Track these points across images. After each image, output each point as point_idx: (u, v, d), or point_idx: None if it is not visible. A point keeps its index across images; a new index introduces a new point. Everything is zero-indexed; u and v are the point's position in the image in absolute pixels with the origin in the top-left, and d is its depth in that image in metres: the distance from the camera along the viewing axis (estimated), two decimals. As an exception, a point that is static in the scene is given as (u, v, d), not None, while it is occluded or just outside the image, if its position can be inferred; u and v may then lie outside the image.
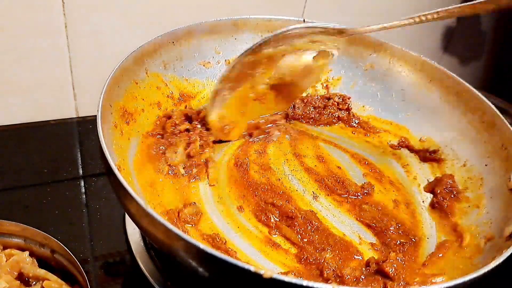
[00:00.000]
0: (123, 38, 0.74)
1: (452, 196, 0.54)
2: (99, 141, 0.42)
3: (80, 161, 0.69)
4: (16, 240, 0.49)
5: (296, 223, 0.50)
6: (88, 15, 0.70)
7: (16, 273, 0.47)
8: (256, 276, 0.32)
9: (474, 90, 0.58)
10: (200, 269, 0.37)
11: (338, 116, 0.67)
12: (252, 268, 0.32)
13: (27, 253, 0.48)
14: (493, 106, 0.56)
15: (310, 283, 0.32)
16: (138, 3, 0.72)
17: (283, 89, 0.62)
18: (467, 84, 0.59)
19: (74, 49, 0.72)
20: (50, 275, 0.47)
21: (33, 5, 0.65)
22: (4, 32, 0.66)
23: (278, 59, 0.57)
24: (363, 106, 0.68)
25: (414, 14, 0.49)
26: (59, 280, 0.47)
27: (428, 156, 0.61)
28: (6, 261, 0.47)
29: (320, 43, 0.57)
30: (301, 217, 0.51)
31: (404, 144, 0.63)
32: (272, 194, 0.54)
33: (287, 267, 0.46)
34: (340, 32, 0.55)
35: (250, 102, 0.61)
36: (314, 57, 0.59)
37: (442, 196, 0.54)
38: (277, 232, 0.50)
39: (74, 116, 0.79)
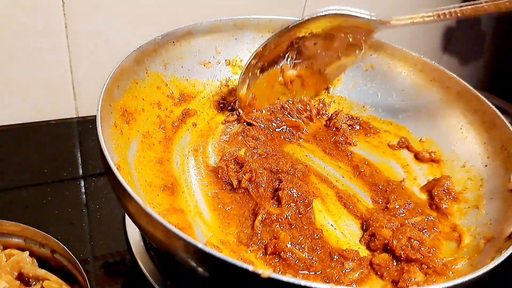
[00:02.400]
0: (123, 38, 0.74)
1: (450, 197, 0.54)
2: (98, 141, 0.42)
3: (80, 161, 0.69)
4: (16, 240, 0.49)
5: None
6: (88, 15, 0.70)
7: (16, 273, 0.47)
8: (254, 276, 0.32)
9: (475, 90, 0.58)
10: (199, 269, 0.37)
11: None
12: (250, 268, 0.32)
13: (27, 253, 0.48)
14: (493, 107, 0.56)
15: (308, 283, 0.32)
16: (138, 3, 0.72)
17: (310, 78, 0.65)
18: (468, 85, 0.59)
19: (74, 49, 0.72)
20: (50, 275, 0.47)
21: (33, 5, 0.65)
22: (4, 32, 0.66)
23: (308, 47, 0.62)
24: (363, 107, 0.68)
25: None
26: (59, 280, 0.47)
27: (428, 156, 0.61)
28: (6, 261, 0.47)
29: (350, 34, 0.61)
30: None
31: (404, 145, 0.63)
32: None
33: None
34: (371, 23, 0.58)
35: (278, 86, 0.64)
36: (343, 50, 0.63)
37: (439, 197, 0.54)
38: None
39: (74, 116, 0.79)
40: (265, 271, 0.32)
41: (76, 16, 0.69)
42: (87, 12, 0.69)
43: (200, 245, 0.34)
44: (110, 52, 0.74)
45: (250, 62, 0.59)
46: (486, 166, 0.55)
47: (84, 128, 0.77)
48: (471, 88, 0.59)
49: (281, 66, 0.63)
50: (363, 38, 0.61)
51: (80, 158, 0.70)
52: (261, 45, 0.58)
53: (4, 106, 0.73)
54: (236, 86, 0.62)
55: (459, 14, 0.52)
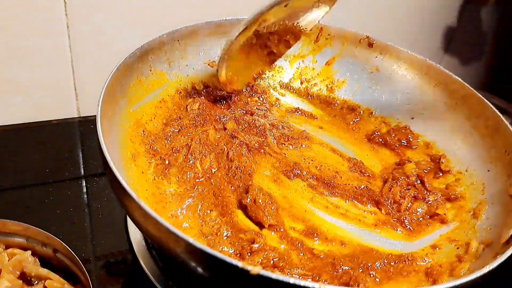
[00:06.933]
0: (125, 38, 0.74)
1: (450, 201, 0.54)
2: (97, 133, 0.42)
3: (81, 160, 0.69)
4: (18, 240, 0.49)
5: None
6: (90, 15, 0.70)
7: (18, 273, 0.47)
8: (243, 272, 0.32)
9: (479, 95, 0.58)
10: (191, 264, 0.37)
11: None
12: (240, 264, 0.32)
13: (29, 252, 0.48)
14: (497, 112, 0.55)
15: (297, 281, 0.32)
16: (140, 3, 0.72)
17: (285, 33, 0.63)
18: (472, 89, 0.59)
19: (76, 49, 0.72)
20: (52, 275, 0.47)
21: (35, 5, 0.65)
22: (6, 31, 0.66)
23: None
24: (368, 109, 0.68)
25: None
26: (61, 280, 0.47)
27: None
28: (8, 261, 0.47)
29: None
30: None
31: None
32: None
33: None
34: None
35: (254, 50, 0.63)
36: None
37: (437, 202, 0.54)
38: None
39: (76, 116, 0.79)
40: (255, 268, 0.32)
41: (78, 16, 0.69)
42: (89, 12, 0.69)
43: (191, 240, 0.34)
44: (112, 52, 0.74)
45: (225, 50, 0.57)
46: (488, 171, 0.55)
47: (85, 128, 0.77)
48: (476, 92, 0.59)
49: (254, 31, 0.60)
50: None
51: (81, 158, 0.70)
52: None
53: (5, 105, 0.73)
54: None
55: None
